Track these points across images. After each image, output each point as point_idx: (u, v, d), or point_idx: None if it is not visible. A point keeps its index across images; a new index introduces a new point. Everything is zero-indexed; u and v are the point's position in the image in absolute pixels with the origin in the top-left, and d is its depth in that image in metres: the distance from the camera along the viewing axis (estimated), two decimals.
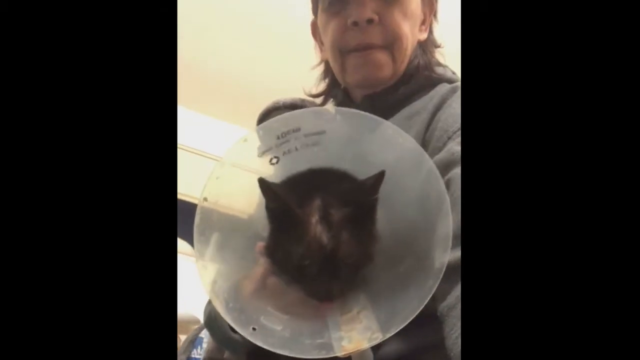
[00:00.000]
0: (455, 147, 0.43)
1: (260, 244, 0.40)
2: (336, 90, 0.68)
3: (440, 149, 0.46)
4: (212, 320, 0.48)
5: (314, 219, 0.36)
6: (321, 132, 0.38)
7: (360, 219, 0.37)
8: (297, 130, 0.38)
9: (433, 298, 0.34)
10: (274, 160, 0.39)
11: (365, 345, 0.35)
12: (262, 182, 0.37)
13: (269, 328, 0.36)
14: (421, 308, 0.33)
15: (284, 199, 0.37)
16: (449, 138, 0.46)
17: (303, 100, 1.46)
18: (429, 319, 0.36)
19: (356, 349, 0.35)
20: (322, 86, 0.69)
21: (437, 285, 0.34)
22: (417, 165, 0.37)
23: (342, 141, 0.39)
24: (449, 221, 0.35)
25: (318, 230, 0.35)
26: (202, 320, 0.52)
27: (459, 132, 0.46)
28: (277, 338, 0.35)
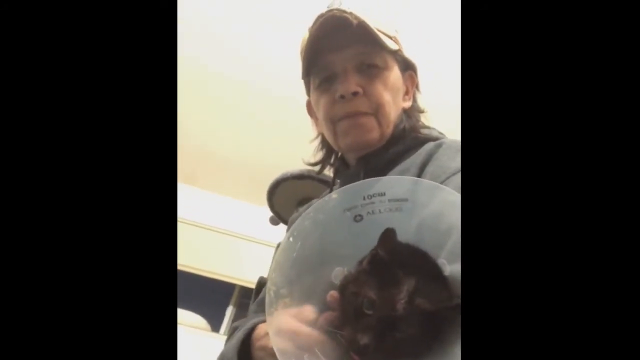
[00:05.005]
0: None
1: (334, 294, 0.40)
2: (333, 157, 0.73)
3: None
4: None
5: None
6: (404, 200, 0.42)
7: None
8: (383, 194, 0.42)
9: None
10: (358, 218, 0.42)
11: None
12: (390, 232, 0.39)
13: None
14: None
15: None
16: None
17: (309, 171, 1.52)
18: None
19: None
20: (320, 155, 0.74)
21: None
22: None
23: (422, 209, 0.42)
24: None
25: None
26: None
27: (445, 183, 0.49)
28: None
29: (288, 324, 0.39)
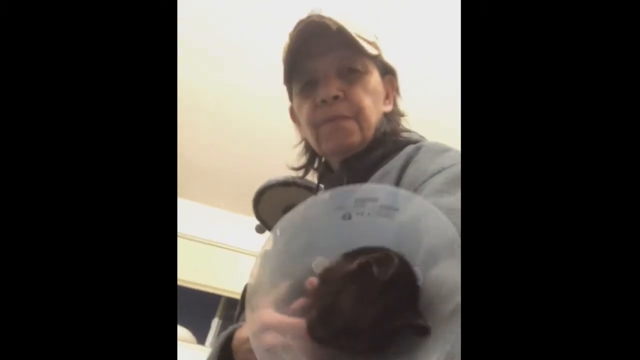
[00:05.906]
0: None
1: (313, 281, 0.40)
2: (317, 162, 0.74)
3: None
4: None
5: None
6: (395, 209, 0.42)
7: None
8: (375, 200, 0.43)
9: None
10: (347, 217, 0.43)
11: None
12: (393, 255, 0.39)
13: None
14: None
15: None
16: (415, 190, 0.50)
17: (295, 178, 1.52)
18: None
19: None
20: (303, 160, 0.74)
21: None
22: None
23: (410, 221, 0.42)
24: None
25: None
26: None
27: (425, 185, 0.50)
28: None
29: (270, 317, 0.38)
